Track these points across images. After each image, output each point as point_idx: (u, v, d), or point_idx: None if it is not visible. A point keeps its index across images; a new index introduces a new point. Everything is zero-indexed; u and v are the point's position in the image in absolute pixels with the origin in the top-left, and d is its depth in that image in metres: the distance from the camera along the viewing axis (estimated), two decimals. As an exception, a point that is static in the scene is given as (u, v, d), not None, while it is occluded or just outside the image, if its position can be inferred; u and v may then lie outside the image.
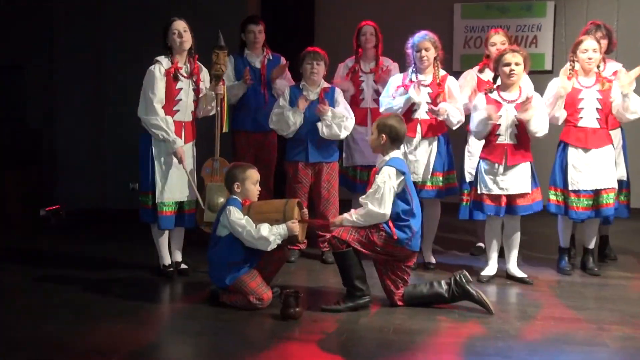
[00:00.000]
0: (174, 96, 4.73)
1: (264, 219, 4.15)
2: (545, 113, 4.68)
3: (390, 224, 4.10)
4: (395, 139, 4.20)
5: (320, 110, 5.06)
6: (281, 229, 4.11)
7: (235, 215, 4.13)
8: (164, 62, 4.72)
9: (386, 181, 4.08)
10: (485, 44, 5.29)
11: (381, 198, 4.08)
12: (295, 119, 5.10)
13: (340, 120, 5.07)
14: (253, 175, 4.30)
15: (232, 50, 5.49)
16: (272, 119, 5.18)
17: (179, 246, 5.02)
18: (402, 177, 4.12)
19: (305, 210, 4.33)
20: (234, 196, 4.28)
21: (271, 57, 5.60)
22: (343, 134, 5.12)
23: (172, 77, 4.69)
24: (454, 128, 4.97)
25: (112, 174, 7.42)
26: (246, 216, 4.15)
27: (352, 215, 4.15)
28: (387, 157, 4.19)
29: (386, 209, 4.08)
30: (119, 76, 7.15)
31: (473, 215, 5.23)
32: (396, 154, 4.21)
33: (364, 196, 4.17)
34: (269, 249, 4.10)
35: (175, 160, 4.73)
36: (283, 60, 5.62)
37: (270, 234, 4.08)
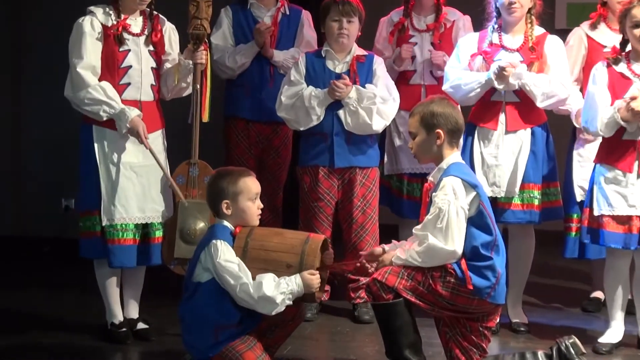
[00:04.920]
0: (118, 63, 4.76)
1: (270, 260, 4.11)
2: None
3: (464, 266, 4.07)
4: (455, 132, 4.22)
5: (333, 89, 5.05)
6: (294, 284, 4.05)
7: (225, 255, 4.08)
8: (99, 14, 4.77)
9: (451, 201, 4.06)
10: (604, -13, 5.33)
11: (446, 227, 4.05)
12: (321, 111, 5.10)
13: (370, 103, 5.06)
14: (250, 185, 4.25)
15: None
16: (282, 102, 5.18)
17: (136, 295, 5.02)
18: (474, 193, 4.11)
19: (331, 252, 4.31)
20: (223, 222, 4.24)
21: (287, 12, 5.65)
22: (377, 124, 5.12)
23: (115, 39, 4.75)
24: (541, 105, 4.95)
25: (35, 185, 7.45)
26: (238, 259, 4.10)
27: (406, 252, 4.13)
28: (443, 164, 4.20)
29: (456, 244, 4.06)
30: (44, 42, 7.20)
31: (586, 251, 5.19)
32: (456, 157, 4.23)
33: (419, 226, 4.16)
34: (275, 313, 4.05)
35: (132, 159, 4.76)
36: (306, 18, 5.64)
37: (278, 291, 4.02)
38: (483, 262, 4.07)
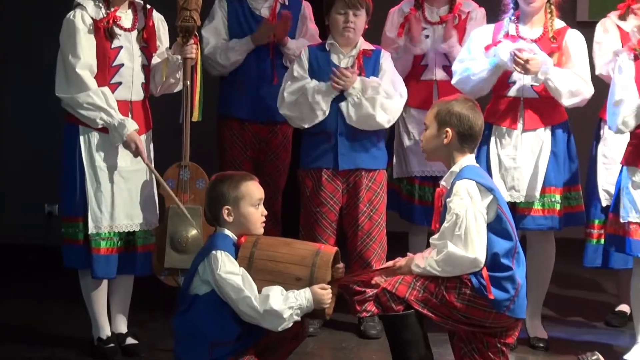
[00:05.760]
0: (110, 61, 4.77)
1: (278, 272, 4.09)
2: None
3: (485, 274, 4.04)
4: (468, 137, 4.21)
5: (339, 78, 5.02)
6: (303, 299, 4.03)
7: (226, 267, 4.05)
8: (89, 7, 4.76)
9: (467, 205, 4.05)
10: (630, -26, 5.34)
11: (465, 233, 4.01)
12: (326, 105, 5.08)
13: (374, 92, 5.07)
14: (252, 190, 4.23)
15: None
16: (285, 99, 5.16)
17: (125, 308, 5.02)
18: (491, 196, 4.10)
19: (341, 265, 4.28)
20: (224, 230, 4.22)
21: (286, 2, 5.64)
22: (381, 117, 5.10)
23: (105, 33, 4.75)
24: (566, 103, 4.95)
25: (16, 189, 7.47)
26: (242, 269, 4.08)
27: (426, 260, 4.09)
28: (455, 167, 4.20)
29: (477, 251, 4.01)
30: (26, 45, 7.21)
31: (610, 260, 5.13)
32: (469, 160, 4.23)
33: (436, 236, 4.13)
34: (282, 328, 4.04)
35: (120, 163, 4.77)
36: (307, 9, 5.65)
37: (286, 305, 4.00)
38: (502, 273, 4.05)
